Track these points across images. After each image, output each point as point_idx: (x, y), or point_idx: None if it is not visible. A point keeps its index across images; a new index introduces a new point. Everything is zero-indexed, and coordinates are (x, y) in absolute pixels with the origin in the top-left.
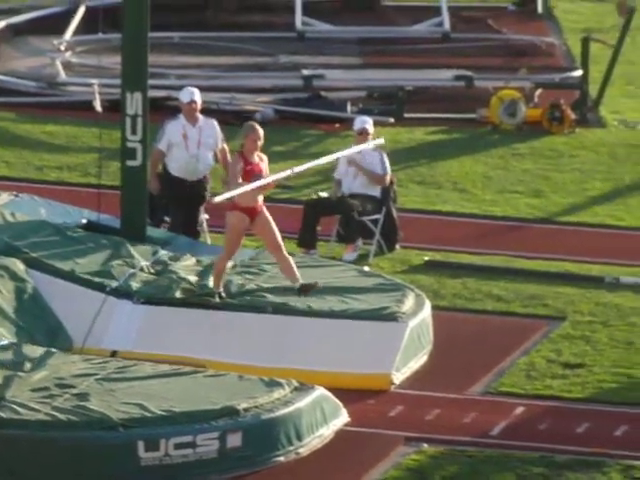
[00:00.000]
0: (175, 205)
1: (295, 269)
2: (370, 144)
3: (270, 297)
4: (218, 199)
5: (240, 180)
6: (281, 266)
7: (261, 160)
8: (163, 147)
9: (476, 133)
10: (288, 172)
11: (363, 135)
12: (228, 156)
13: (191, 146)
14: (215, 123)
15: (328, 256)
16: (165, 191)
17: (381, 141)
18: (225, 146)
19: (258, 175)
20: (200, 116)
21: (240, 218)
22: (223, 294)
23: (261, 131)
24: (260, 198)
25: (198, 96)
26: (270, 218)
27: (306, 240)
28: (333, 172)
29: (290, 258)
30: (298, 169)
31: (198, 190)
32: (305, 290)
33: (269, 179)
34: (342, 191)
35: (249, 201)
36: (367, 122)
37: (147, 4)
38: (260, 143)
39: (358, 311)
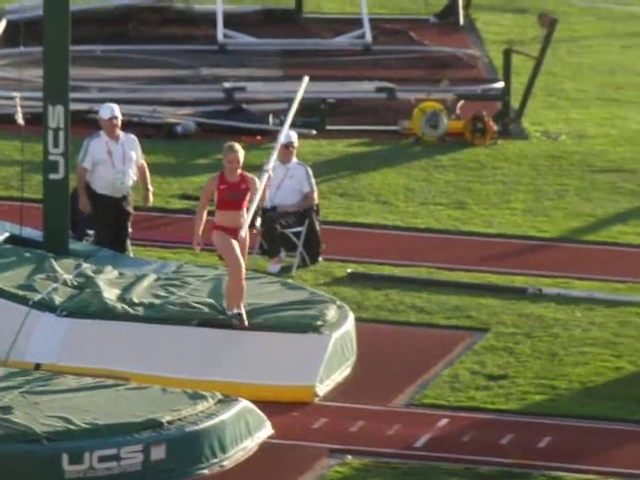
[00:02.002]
0: (102, 223)
1: (241, 301)
2: (302, 86)
3: (194, 310)
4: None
5: (214, 199)
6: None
7: (243, 180)
8: (88, 165)
9: (398, 145)
10: (265, 175)
11: (289, 149)
12: (147, 171)
13: (117, 162)
14: (135, 138)
15: (251, 269)
16: (91, 209)
17: (306, 79)
18: (144, 162)
19: (235, 194)
20: (120, 132)
21: (222, 236)
22: (244, 315)
23: (240, 152)
24: (243, 219)
25: (118, 112)
26: (247, 243)
27: None
28: None
29: (244, 289)
30: (270, 165)
31: (124, 206)
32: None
33: (257, 197)
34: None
35: (229, 222)
36: (293, 136)
37: (68, 17)
38: (236, 164)
39: (281, 323)
